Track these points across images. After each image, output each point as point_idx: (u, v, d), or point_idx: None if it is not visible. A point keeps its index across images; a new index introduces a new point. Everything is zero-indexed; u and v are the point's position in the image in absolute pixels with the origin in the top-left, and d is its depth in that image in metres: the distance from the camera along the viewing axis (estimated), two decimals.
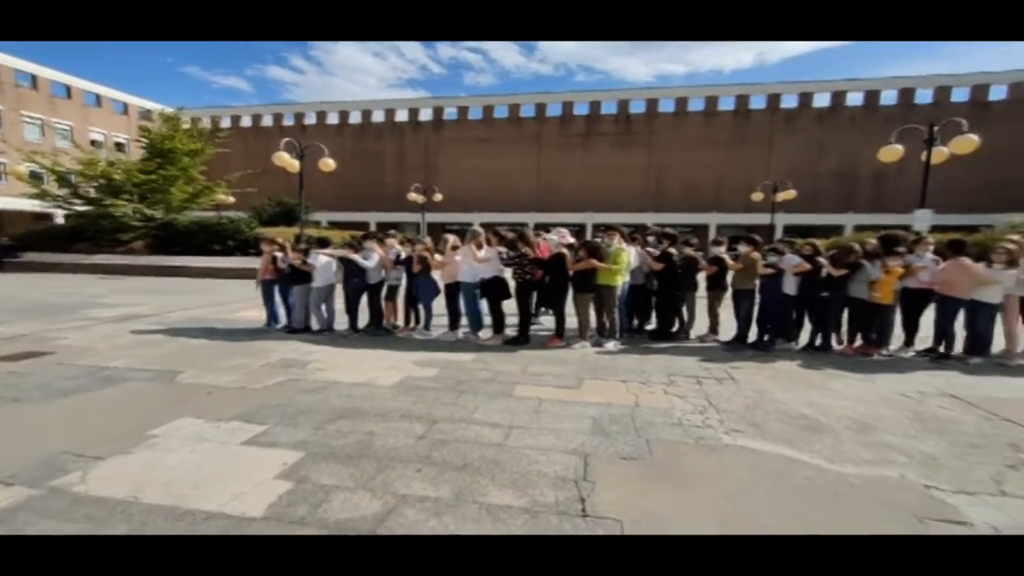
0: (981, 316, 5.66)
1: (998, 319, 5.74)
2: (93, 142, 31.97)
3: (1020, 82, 30.65)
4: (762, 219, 26.68)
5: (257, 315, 7.88)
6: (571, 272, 6.39)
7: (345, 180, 33.49)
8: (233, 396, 4.21)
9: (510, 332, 6.65)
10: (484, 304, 6.78)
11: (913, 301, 6.14)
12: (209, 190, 22.41)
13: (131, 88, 64.61)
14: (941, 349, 5.94)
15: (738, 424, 3.70)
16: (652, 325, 7.20)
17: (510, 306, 6.65)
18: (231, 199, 23.06)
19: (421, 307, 7.06)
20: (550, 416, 3.82)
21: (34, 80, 33.82)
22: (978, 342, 5.71)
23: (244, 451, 3.13)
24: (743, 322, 6.54)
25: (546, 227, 8.88)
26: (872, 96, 32.79)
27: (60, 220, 23.88)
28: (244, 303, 8.19)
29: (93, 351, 5.78)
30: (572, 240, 7.34)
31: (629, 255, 6.53)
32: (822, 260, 6.12)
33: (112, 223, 19.03)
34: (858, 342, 6.21)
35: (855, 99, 33.13)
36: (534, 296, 6.95)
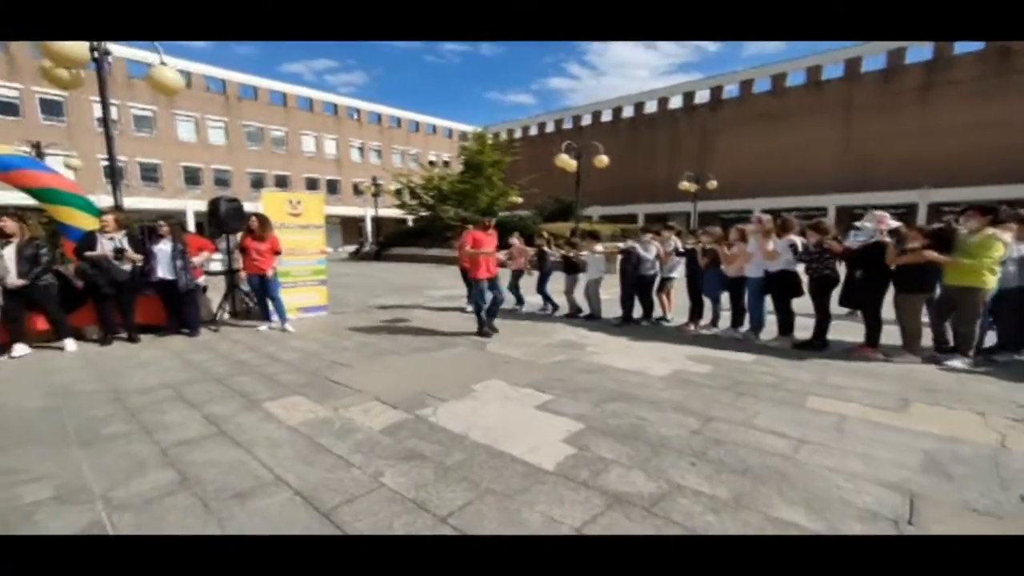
0: None
1: None
2: (431, 162, 41.98)
3: None
4: None
5: (538, 299, 8.82)
6: (893, 266, 5.09)
7: (616, 174, 34.52)
8: (525, 367, 4.98)
9: (801, 335, 5.77)
10: (768, 301, 6.06)
11: None
12: (505, 194, 26.73)
13: (451, 116, 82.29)
14: None
15: None
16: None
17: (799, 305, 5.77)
18: (520, 200, 26.95)
19: (707, 301, 6.76)
20: (857, 438, 3.19)
21: (399, 121, 46.95)
22: None
23: (537, 414, 3.69)
24: None
25: (853, 211, 7.29)
26: None
27: (410, 223, 32.36)
28: (525, 289, 9.49)
29: (432, 320, 7.70)
30: (895, 224, 5.83)
31: (1007, 245, 4.74)
32: None
33: (441, 224, 24.76)
34: None
35: None
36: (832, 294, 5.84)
